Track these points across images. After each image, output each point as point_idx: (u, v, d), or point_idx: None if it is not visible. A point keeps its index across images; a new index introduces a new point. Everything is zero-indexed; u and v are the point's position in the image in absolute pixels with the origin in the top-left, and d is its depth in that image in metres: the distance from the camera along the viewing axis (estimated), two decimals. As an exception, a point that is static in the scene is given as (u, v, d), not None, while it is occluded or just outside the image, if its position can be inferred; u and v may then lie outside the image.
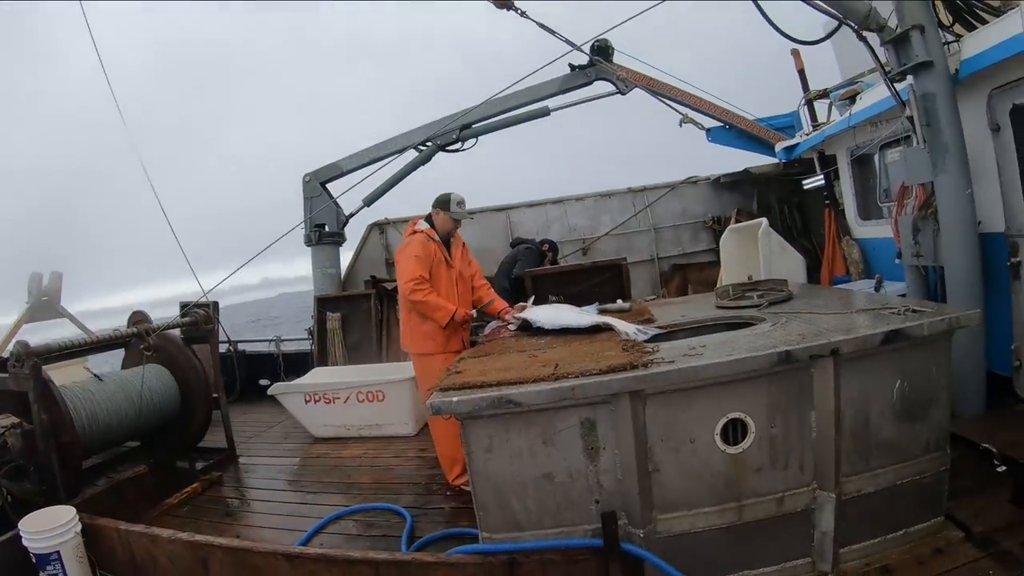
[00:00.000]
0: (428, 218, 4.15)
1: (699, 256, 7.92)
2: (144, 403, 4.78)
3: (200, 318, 5.09)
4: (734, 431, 2.49)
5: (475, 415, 2.46)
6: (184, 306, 5.44)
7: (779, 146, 6.39)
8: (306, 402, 5.62)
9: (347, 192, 6.36)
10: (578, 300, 4.36)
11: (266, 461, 5.26)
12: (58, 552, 2.89)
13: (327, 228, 7.30)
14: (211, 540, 2.84)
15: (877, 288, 4.42)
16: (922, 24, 3.41)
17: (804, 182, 6.88)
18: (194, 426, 5.21)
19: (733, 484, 2.53)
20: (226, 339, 5.76)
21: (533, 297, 4.06)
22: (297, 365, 7.62)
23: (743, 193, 7.80)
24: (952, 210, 3.58)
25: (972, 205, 3.56)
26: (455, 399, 2.40)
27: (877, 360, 2.48)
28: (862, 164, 5.28)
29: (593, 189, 8.23)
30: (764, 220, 5.31)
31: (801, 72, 5.61)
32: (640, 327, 3.13)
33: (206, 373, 5.20)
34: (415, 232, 4.07)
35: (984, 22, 3.61)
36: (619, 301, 4.30)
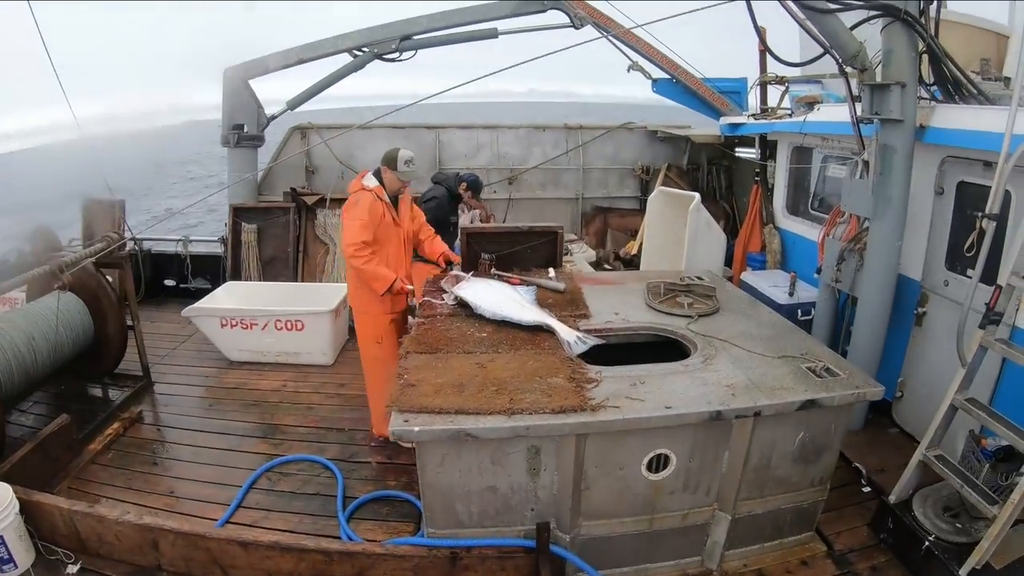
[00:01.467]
0: (377, 172, 3.88)
1: (622, 202, 8.07)
2: (59, 340, 4.36)
3: (113, 241, 4.53)
4: (658, 462, 2.80)
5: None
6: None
7: (724, 120, 6.44)
8: (222, 326, 5.37)
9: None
10: (509, 262, 4.45)
11: (183, 391, 5.08)
12: (1, 537, 2.75)
13: (246, 129, 6.49)
14: (161, 524, 2.83)
15: (791, 291, 4.85)
16: (904, 82, 3.44)
17: (737, 150, 7.09)
18: (108, 357, 4.85)
19: (649, 503, 2.91)
20: (130, 236, 5.20)
21: (472, 273, 4.02)
22: (205, 268, 7.17)
23: (675, 147, 7.89)
24: (879, 255, 3.86)
25: (898, 256, 3.86)
26: (416, 429, 2.45)
27: (789, 418, 2.82)
28: (800, 159, 5.51)
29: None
30: (696, 196, 5.44)
31: (762, 52, 5.53)
32: (580, 335, 3.23)
33: (120, 302, 4.79)
34: (362, 189, 3.81)
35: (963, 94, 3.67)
36: (551, 272, 4.39)
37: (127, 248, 4.82)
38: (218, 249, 7.12)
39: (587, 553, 2.90)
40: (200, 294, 6.06)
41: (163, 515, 3.38)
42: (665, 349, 3.50)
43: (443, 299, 3.81)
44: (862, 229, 4.16)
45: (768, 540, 3.24)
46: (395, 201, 3.96)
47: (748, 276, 5.40)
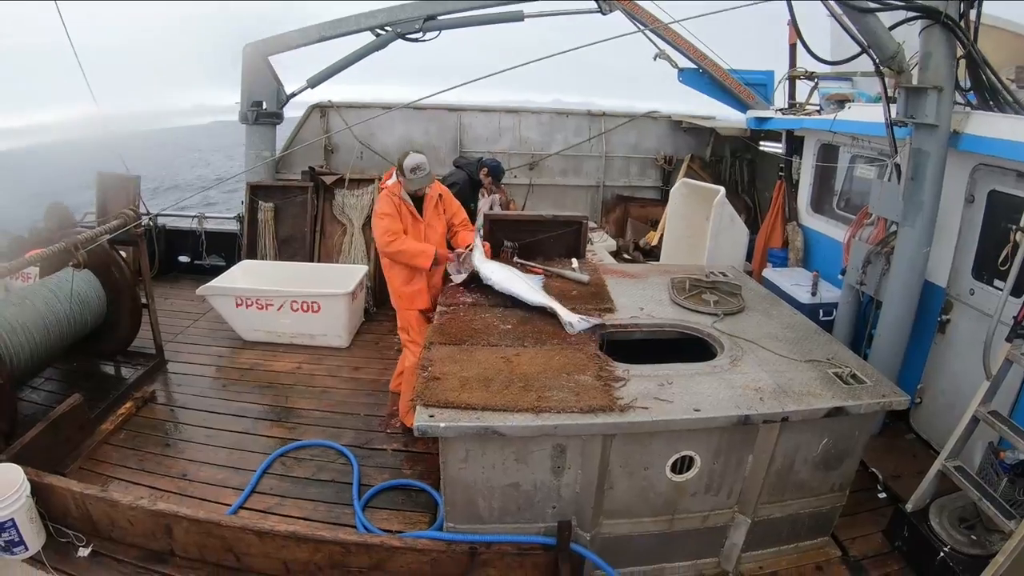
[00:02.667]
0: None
1: (644, 192, 7.98)
2: (72, 317, 4.35)
3: (129, 219, 4.49)
4: (682, 464, 2.80)
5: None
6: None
7: (751, 113, 6.31)
8: (237, 305, 5.35)
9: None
10: (532, 251, 4.42)
11: (197, 371, 5.07)
12: (12, 519, 2.74)
13: (265, 106, 6.40)
14: (175, 510, 2.81)
15: (814, 291, 4.79)
16: (941, 86, 3.35)
17: (761, 144, 6.96)
18: (121, 335, 4.84)
19: (671, 503, 2.91)
20: (145, 212, 5.17)
21: (478, 241, 3.99)
22: (220, 245, 7.14)
23: (699, 138, 7.77)
24: (906, 261, 3.80)
25: (925, 262, 3.80)
26: (442, 425, 2.43)
27: (814, 423, 2.80)
28: (826, 157, 5.40)
29: (551, 104, 7.78)
30: (721, 190, 5.38)
31: (792, 46, 5.40)
32: (582, 317, 3.32)
33: (134, 279, 4.76)
34: (384, 187, 3.92)
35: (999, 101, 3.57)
36: (574, 262, 4.35)
37: (141, 224, 4.78)
38: (234, 227, 7.09)
39: (606, 552, 2.91)
40: (214, 271, 6.06)
41: (176, 500, 3.40)
42: (689, 346, 3.49)
43: (455, 277, 3.86)
44: (890, 233, 4.10)
45: (784, 543, 3.24)
46: (419, 200, 3.96)
47: (770, 273, 5.32)
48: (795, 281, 5.02)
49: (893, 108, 3.76)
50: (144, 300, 4.90)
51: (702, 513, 2.98)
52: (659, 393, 2.74)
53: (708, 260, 5.37)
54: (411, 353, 4.07)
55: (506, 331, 3.26)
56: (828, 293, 4.79)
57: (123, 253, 4.78)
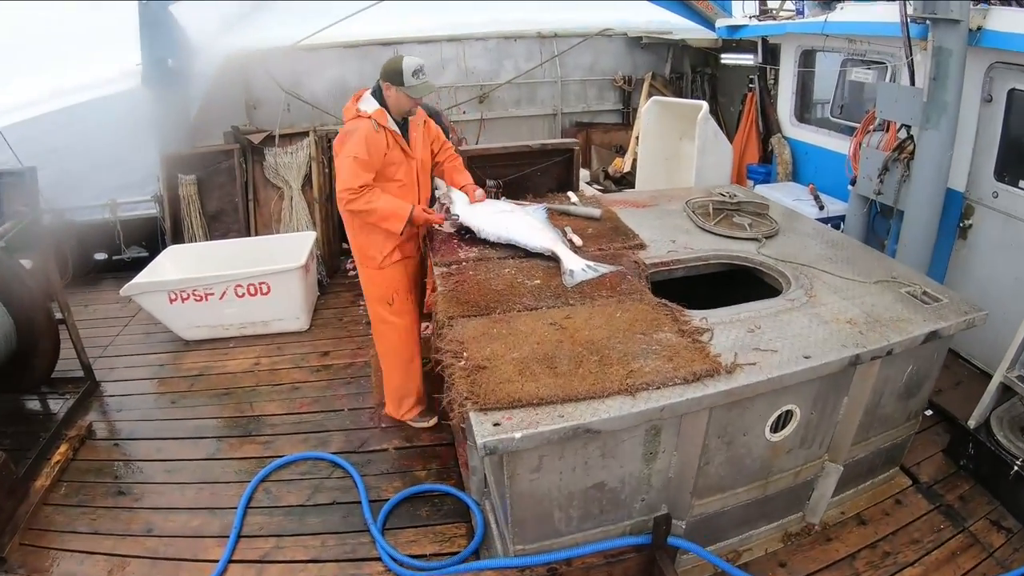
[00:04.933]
0: (376, 91, 2.96)
1: (604, 116, 7.38)
2: None
3: (28, 222, 3.33)
4: (782, 420, 2.37)
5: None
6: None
7: (721, 22, 5.79)
8: (171, 301, 4.33)
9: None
10: (518, 188, 3.80)
11: (136, 388, 4.08)
12: None
13: (171, 63, 5.07)
14: None
15: (820, 205, 4.49)
16: None
17: (723, 57, 6.50)
18: (39, 362, 3.72)
19: (766, 466, 2.50)
20: (46, 208, 4.05)
21: (454, 194, 3.24)
22: (140, 234, 5.87)
23: (657, 55, 7.21)
24: (929, 167, 3.58)
25: (949, 167, 3.59)
26: (519, 436, 1.78)
27: (907, 352, 2.46)
28: (808, 64, 5.03)
29: (496, 27, 6.90)
30: (704, 105, 4.94)
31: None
32: (589, 263, 2.76)
33: (44, 292, 3.65)
34: (358, 116, 2.89)
35: None
36: (573, 196, 3.75)
37: (44, 224, 3.65)
38: (152, 210, 5.80)
39: (696, 535, 2.46)
40: (138, 264, 4.91)
41: (147, 567, 2.61)
42: (735, 280, 3.05)
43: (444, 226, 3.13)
44: (906, 138, 3.82)
45: (861, 482, 2.96)
46: (405, 125, 3.04)
47: (763, 190, 4.96)
48: (795, 196, 4.69)
49: (909, 5, 3.49)
50: (60, 314, 3.80)
51: (795, 470, 2.60)
52: (755, 342, 2.26)
53: (696, 181, 4.95)
54: (393, 331, 3.31)
55: (536, 288, 2.61)
56: (833, 206, 4.52)
57: (25, 263, 3.64)
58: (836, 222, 4.42)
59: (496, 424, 1.81)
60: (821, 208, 4.45)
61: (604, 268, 2.73)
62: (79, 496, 3.10)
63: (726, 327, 2.34)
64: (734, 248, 3.09)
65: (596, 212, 3.41)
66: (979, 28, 3.36)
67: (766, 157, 5.70)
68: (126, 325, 4.91)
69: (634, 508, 2.29)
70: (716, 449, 2.28)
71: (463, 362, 2.07)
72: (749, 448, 2.37)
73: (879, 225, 4.21)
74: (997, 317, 2.85)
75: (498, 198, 3.53)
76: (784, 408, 2.33)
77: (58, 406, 3.79)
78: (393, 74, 2.85)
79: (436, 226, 3.14)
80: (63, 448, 3.33)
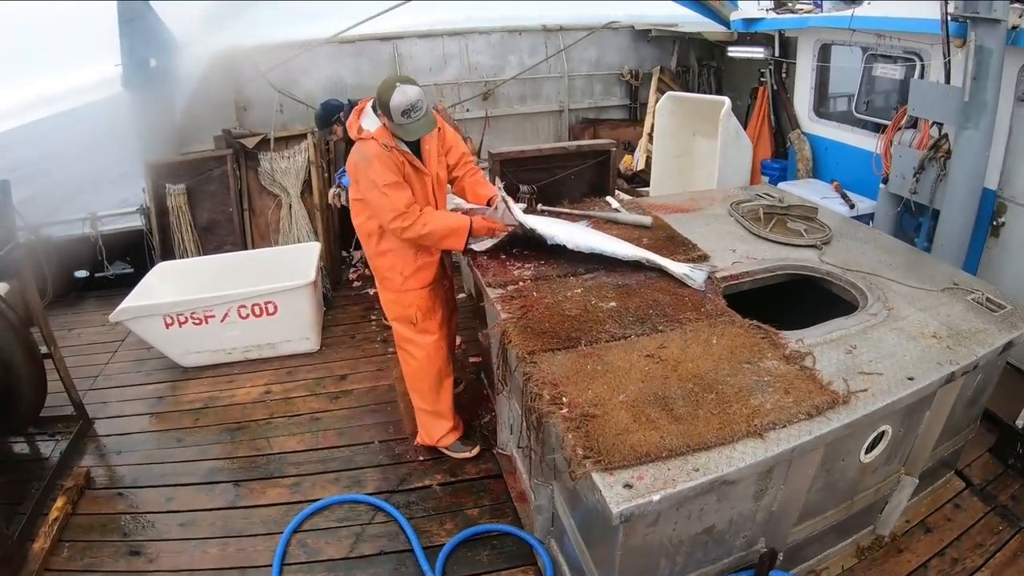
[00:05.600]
0: (376, 107, 2.67)
1: (611, 112, 7.21)
2: None
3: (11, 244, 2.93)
4: (874, 441, 2.30)
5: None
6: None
7: (736, 15, 5.67)
8: (167, 326, 3.96)
9: None
10: (553, 193, 3.61)
11: (134, 425, 3.72)
12: None
13: (153, 63, 4.62)
14: None
15: (850, 203, 4.44)
16: None
17: (730, 50, 6.40)
18: (25, 402, 3.33)
19: (854, 486, 2.43)
20: (22, 225, 3.62)
21: (502, 191, 2.92)
22: (124, 250, 5.42)
23: (662, 48, 7.07)
24: (967, 167, 3.56)
25: (986, 166, 3.57)
26: (657, 498, 1.61)
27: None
28: (823, 58, 4.98)
29: (500, 21, 6.62)
30: (727, 100, 4.81)
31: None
32: (692, 265, 2.70)
33: (24, 322, 3.27)
34: (361, 137, 2.65)
35: None
36: (613, 202, 3.58)
37: (20, 245, 3.25)
38: (138, 223, 5.35)
39: (786, 562, 2.35)
40: (122, 282, 4.58)
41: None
42: (799, 291, 2.95)
43: (477, 246, 2.91)
44: (941, 136, 3.79)
45: (922, 489, 2.91)
46: (417, 141, 2.75)
47: (787, 187, 4.87)
48: (821, 194, 4.62)
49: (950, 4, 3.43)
50: (44, 347, 3.42)
51: (876, 486, 2.54)
52: (857, 365, 2.16)
53: (719, 181, 4.85)
54: (419, 349, 3.06)
55: (615, 311, 2.43)
56: (861, 204, 4.48)
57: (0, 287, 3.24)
58: (866, 221, 4.38)
59: (627, 486, 1.62)
60: (852, 207, 4.40)
61: (705, 268, 2.68)
62: (85, 559, 2.76)
63: (823, 349, 2.23)
64: (795, 256, 2.98)
65: (647, 220, 3.25)
66: (1015, 27, 3.33)
67: (778, 152, 5.65)
68: (115, 351, 4.52)
69: (734, 545, 2.17)
70: (817, 476, 2.18)
71: (566, 410, 1.88)
72: (844, 472, 2.30)
73: (907, 223, 4.18)
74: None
75: (535, 206, 3.30)
76: (880, 429, 2.25)
77: (49, 448, 3.44)
78: (383, 106, 2.54)
79: (495, 236, 2.90)
80: (60, 502, 2.98)
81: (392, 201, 2.60)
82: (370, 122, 2.65)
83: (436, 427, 3.25)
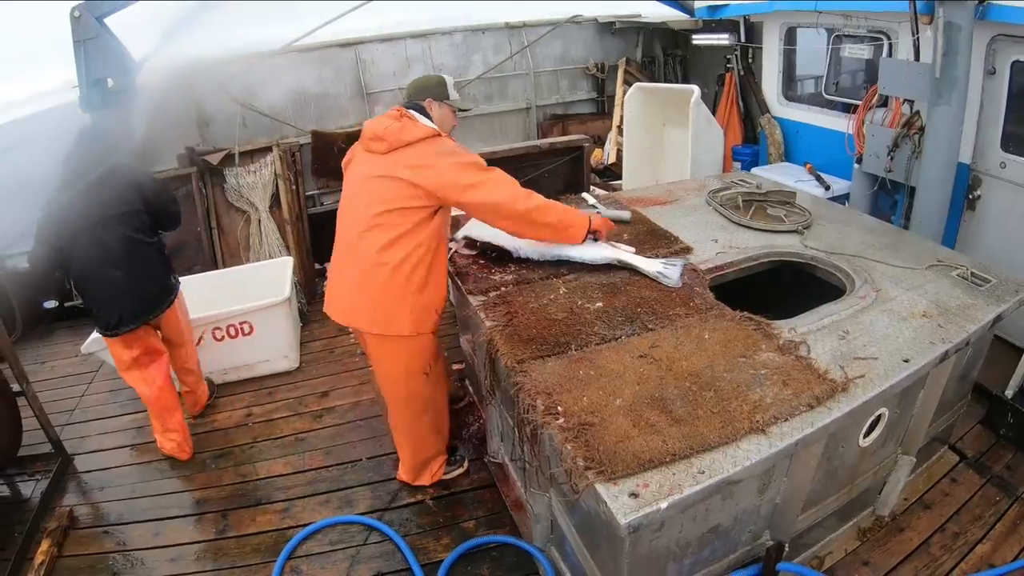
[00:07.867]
0: (418, 109, 2.59)
1: (578, 107, 7.13)
2: None
3: None
4: (872, 425, 2.28)
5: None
6: None
7: (700, 3, 5.65)
8: None
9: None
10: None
11: (115, 459, 3.56)
12: None
13: (111, 83, 4.38)
14: None
15: (825, 185, 4.46)
16: None
17: (694, 38, 6.39)
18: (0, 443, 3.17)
19: (852, 471, 2.41)
20: None
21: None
22: None
23: (627, 39, 7.02)
24: (941, 142, 3.59)
25: (959, 142, 3.61)
26: (665, 505, 1.54)
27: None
28: (789, 41, 4.99)
29: (463, 20, 6.49)
30: (696, 89, 4.78)
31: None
32: (663, 261, 2.64)
33: None
34: (428, 137, 2.46)
35: None
36: (589, 198, 3.53)
37: None
38: None
39: (790, 552, 2.31)
40: None
41: None
42: (783, 278, 2.94)
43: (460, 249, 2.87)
44: (913, 113, 3.83)
45: (918, 467, 2.90)
46: None
47: (760, 172, 4.89)
48: (795, 177, 4.63)
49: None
50: (16, 385, 3.24)
51: (875, 468, 2.53)
52: (852, 350, 2.12)
53: (692, 170, 4.82)
54: (432, 406, 2.89)
55: (602, 312, 2.37)
56: (836, 185, 4.50)
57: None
58: (841, 201, 4.41)
59: (633, 495, 1.56)
60: (827, 188, 4.42)
61: (678, 262, 2.62)
62: (80, 611, 2.63)
63: (816, 336, 2.20)
64: (778, 243, 2.95)
65: (626, 215, 3.21)
66: (982, 2, 3.35)
67: (748, 137, 5.67)
68: (90, 382, 4.33)
69: (740, 541, 2.13)
70: (818, 466, 2.14)
71: (562, 419, 1.81)
72: (843, 458, 2.28)
73: (883, 201, 4.22)
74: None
75: None
76: (877, 413, 2.24)
77: (29, 489, 3.27)
78: (436, 88, 2.63)
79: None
80: (45, 544, 2.83)
81: (503, 174, 2.43)
82: (426, 121, 2.52)
83: (432, 465, 3.08)
